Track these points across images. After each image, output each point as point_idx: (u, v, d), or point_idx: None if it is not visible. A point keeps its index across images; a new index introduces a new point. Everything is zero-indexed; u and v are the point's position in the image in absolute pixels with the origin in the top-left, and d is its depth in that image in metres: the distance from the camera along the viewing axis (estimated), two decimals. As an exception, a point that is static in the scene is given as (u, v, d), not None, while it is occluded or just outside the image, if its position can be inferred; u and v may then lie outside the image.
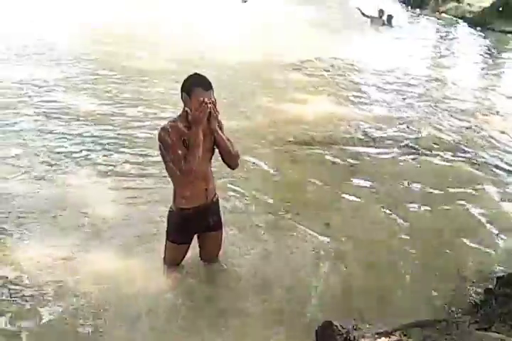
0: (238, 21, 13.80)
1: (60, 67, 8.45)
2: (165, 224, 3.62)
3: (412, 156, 6.07)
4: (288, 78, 9.13)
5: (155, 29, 11.50)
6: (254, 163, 5.53)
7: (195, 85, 3.23)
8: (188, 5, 15.12)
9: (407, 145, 6.36)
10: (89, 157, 5.36)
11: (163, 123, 3.40)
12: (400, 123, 7.14)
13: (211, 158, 3.46)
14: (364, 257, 4.08)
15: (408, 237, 4.39)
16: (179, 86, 3.30)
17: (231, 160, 3.47)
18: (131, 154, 5.51)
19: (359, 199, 4.97)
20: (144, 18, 12.32)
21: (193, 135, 3.23)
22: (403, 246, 4.26)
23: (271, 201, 4.82)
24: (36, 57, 8.92)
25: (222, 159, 3.47)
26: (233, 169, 3.62)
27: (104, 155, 5.42)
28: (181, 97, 3.30)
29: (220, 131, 3.36)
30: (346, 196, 5.03)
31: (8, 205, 4.33)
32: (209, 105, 3.19)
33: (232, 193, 4.82)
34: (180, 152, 3.23)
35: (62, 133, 5.88)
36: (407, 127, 7.02)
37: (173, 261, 3.70)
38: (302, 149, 6.07)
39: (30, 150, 5.38)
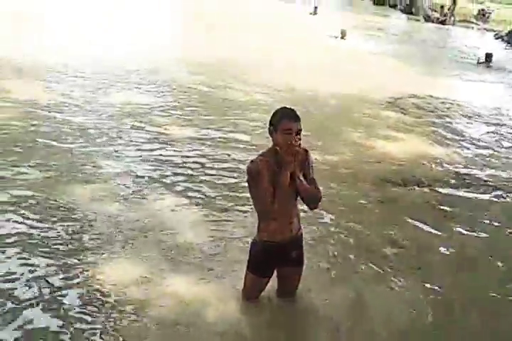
0: (332, 56, 13.88)
1: (155, 96, 8.67)
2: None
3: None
4: (380, 114, 9.00)
5: (248, 62, 11.71)
6: (341, 199, 5.42)
7: (282, 119, 3.23)
8: (280, 39, 15.35)
9: (503, 192, 6.06)
10: (180, 185, 5.42)
11: (253, 157, 3.41)
12: (496, 169, 6.83)
13: (297, 194, 3.41)
14: (470, 311, 3.88)
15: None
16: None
17: (310, 203, 3.46)
18: (223, 185, 5.51)
19: (453, 244, 4.78)
20: (236, 51, 12.58)
21: (282, 176, 3.24)
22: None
23: (359, 240, 4.69)
24: (135, 85, 9.23)
25: (302, 200, 3.43)
26: (312, 209, 3.64)
27: (195, 185, 5.46)
28: (269, 131, 3.31)
29: (301, 176, 3.31)
30: (440, 240, 4.85)
31: (98, 226, 4.46)
32: (296, 148, 3.20)
33: (318, 229, 4.75)
34: (269, 189, 3.23)
35: (157, 160, 6.00)
36: (505, 173, 6.69)
37: (251, 294, 3.65)
38: (392, 188, 5.90)
39: (124, 174, 5.55)
